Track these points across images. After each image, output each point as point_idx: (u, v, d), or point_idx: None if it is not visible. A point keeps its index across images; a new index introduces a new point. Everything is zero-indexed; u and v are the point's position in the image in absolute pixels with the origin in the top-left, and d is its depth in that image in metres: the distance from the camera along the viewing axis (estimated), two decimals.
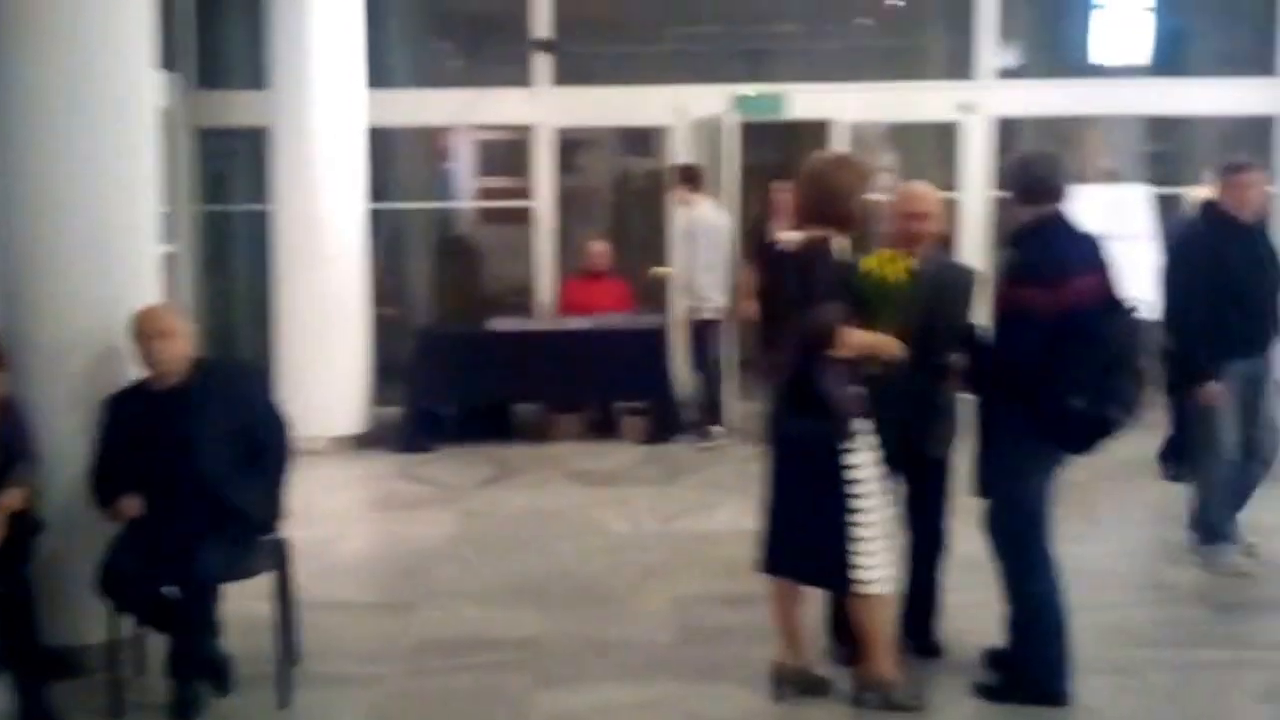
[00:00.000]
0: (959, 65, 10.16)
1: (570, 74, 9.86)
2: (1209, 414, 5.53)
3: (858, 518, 4.02)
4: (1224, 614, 5.17)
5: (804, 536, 4.12)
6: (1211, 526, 5.65)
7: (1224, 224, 5.57)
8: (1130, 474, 7.02)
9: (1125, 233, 8.64)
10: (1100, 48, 10.26)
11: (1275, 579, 5.64)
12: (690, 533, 6.42)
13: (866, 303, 4.03)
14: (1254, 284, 5.54)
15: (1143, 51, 10.23)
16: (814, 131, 9.76)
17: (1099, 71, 10.28)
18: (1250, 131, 10.36)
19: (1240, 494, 5.70)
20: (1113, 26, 10.25)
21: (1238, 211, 5.57)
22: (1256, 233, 5.70)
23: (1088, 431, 4.06)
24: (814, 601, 4.41)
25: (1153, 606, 5.33)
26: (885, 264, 4.06)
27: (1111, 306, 4.07)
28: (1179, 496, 6.10)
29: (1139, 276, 8.14)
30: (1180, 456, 6.94)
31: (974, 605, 4.60)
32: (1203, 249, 5.58)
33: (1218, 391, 5.44)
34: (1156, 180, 9.89)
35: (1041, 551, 4.18)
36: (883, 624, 4.13)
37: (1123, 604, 5.27)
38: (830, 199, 4.10)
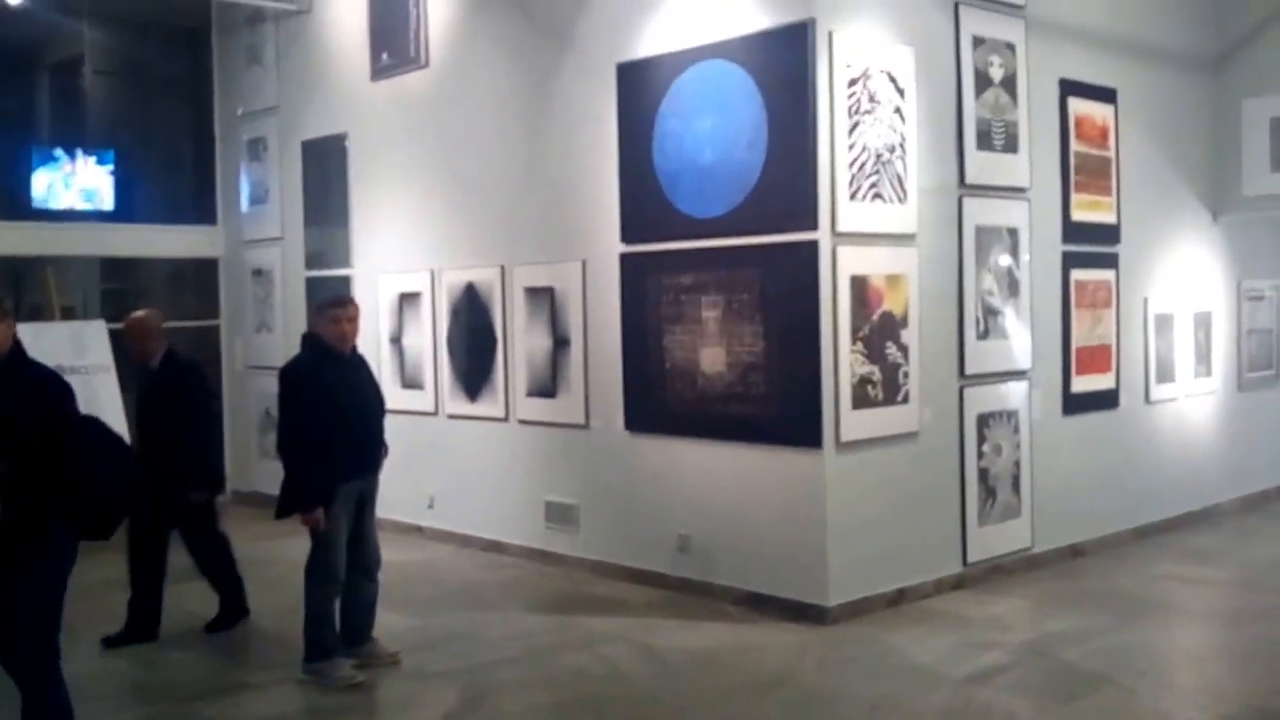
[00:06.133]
0: None
1: None
2: (320, 538, 5.90)
3: None
4: (201, 702, 5.79)
5: None
6: (321, 644, 5.97)
7: (324, 355, 5.98)
8: (103, 591, 7.40)
9: (87, 365, 9.22)
10: (55, 194, 10.70)
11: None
12: None
13: None
14: (356, 409, 6.00)
15: (100, 198, 10.87)
16: None
17: (55, 216, 10.72)
18: (197, 272, 11.59)
19: (359, 613, 6.19)
20: (68, 175, 10.74)
21: (337, 343, 6.01)
22: (355, 361, 6.16)
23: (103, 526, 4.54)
24: None
25: (132, 707, 5.85)
26: None
27: (86, 424, 4.56)
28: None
29: (105, 403, 8.77)
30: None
31: None
32: (306, 380, 5.89)
33: (318, 518, 5.82)
34: (113, 316, 10.47)
35: (54, 666, 4.51)
36: None
37: (105, 710, 5.73)
38: None
